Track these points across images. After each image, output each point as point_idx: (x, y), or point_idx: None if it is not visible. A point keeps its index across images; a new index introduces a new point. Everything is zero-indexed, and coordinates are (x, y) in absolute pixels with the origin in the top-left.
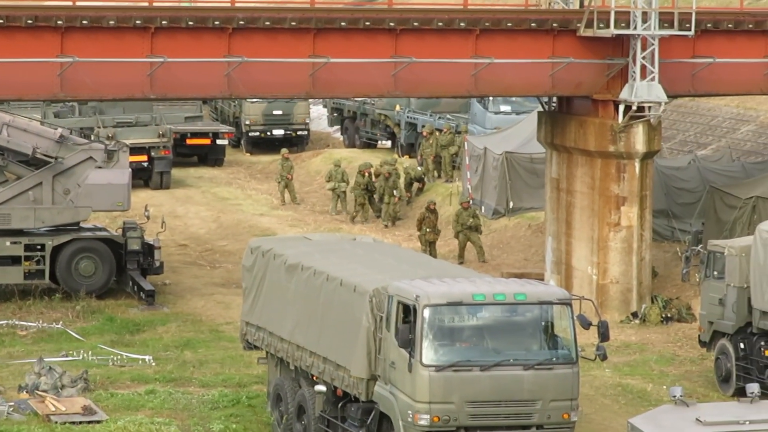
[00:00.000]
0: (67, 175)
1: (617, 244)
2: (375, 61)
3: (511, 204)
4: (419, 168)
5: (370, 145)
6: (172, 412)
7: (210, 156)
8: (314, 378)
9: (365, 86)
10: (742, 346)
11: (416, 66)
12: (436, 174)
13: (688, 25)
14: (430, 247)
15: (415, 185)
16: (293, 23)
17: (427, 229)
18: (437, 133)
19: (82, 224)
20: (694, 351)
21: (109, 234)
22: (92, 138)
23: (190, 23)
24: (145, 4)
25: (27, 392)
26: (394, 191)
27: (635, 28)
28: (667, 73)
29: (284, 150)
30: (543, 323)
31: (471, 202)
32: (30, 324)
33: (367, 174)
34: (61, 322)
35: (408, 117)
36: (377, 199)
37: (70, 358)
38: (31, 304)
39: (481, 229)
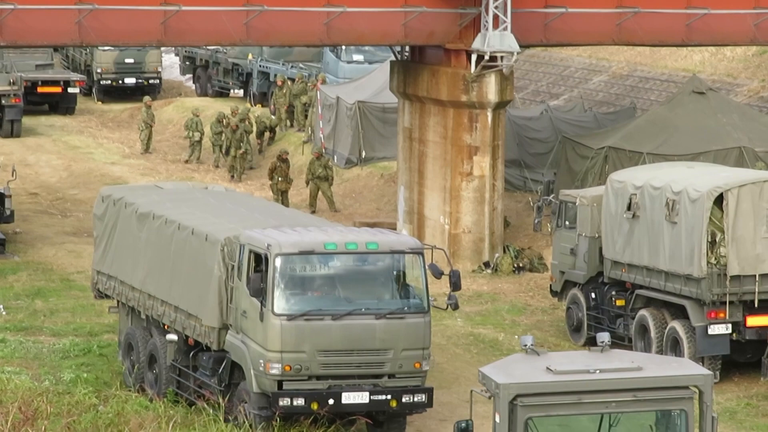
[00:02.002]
0: None
1: (469, 194)
2: (227, 9)
3: (363, 153)
4: (272, 117)
5: (222, 94)
6: (23, 362)
7: (61, 104)
8: (166, 327)
9: (217, 34)
10: (593, 295)
11: (268, 14)
12: (288, 123)
13: None
14: (282, 196)
15: (267, 134)
16: None
17: (279, 179)
18: (289, 83)
19: None
20: (546, 301)
21: None
22: None
23: None
24: None
25: None
26: (241, 143)
27: None
28: (519, 22)
29: (147, 98)
30: (395, 272)
31: (323, 151)
32: None
33: (224, 122)
34: None
35: (260, 66)
36: (224, 152)
37: None
38: None
39: (333, 179)
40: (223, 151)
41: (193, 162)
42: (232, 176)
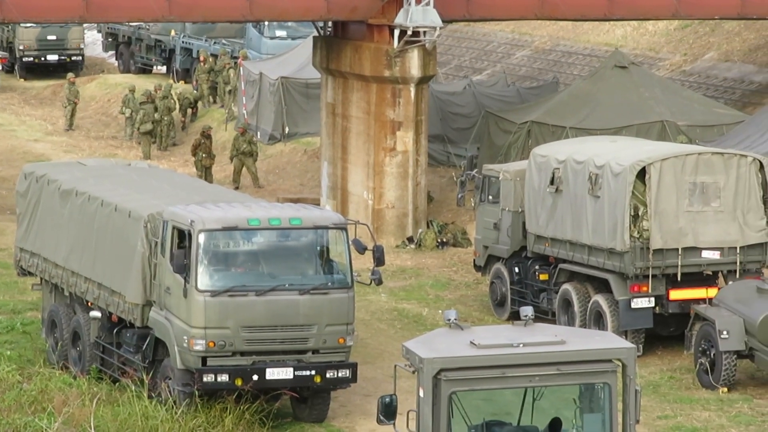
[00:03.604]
0: None
1: (393, 169)
2: None
3: (287, 129)
4: (195, 92)
5: (145, 70)
6: None
7: None
8: (89, 304)
9: (139, 10)
10: (516, 270)
11: None
12: (211, 99)
13: None
14: (205, 172)
15: (190, 111)
16: None
17: (203, 155)
18: (212, 59)
19: None
20: (470, 275)
21: None
22: None
23: None
24: None
25: None
26: (164, 118)
27: None
28: None
29: (70, 74)
30: (318, 248)
31: (247, 127)
32: None
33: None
34: None
35: (183, 42)
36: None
37: None
38: None
39: (257, 155)
40: (137, 127)
41: (128, 139)
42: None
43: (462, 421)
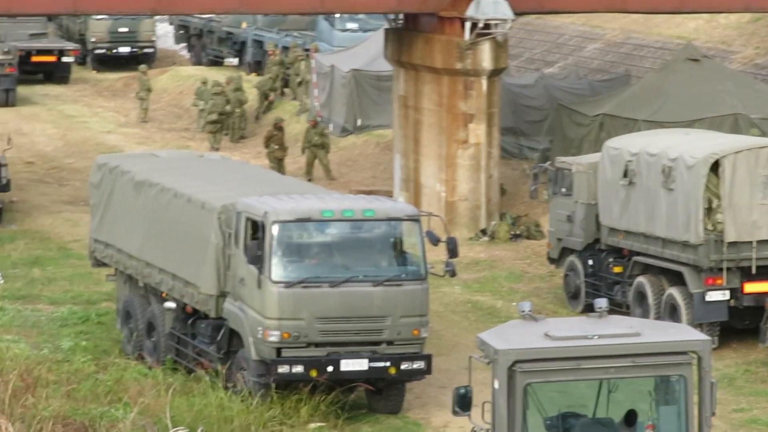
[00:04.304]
0: None
1: (465, 162)
2: None
3: (359, 122)
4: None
5: (216, 62)
6: (21, 330)
7: (56, 73)
8: (163, 295)
9: (210, 3)
10: (590, 262)
11: None
12: (281, 92)
13: None
14: (278, 164)
15: (265, 102)
16: None
17: (275, 147)
18: (281, 52)
19: None
20: (543, 268)
21: None
22: None
23: None
24: None
25: None
26: (236, 110)
27: None
28: None
29: (143, 66)
30: (392, 240)
31: (319, 119)
32: None
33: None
34: None
35: (254, 34)
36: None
37: None
38: None
39: (329, 147)
40: (205, 118)
41: (201, 130)
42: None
43: (537, 413)
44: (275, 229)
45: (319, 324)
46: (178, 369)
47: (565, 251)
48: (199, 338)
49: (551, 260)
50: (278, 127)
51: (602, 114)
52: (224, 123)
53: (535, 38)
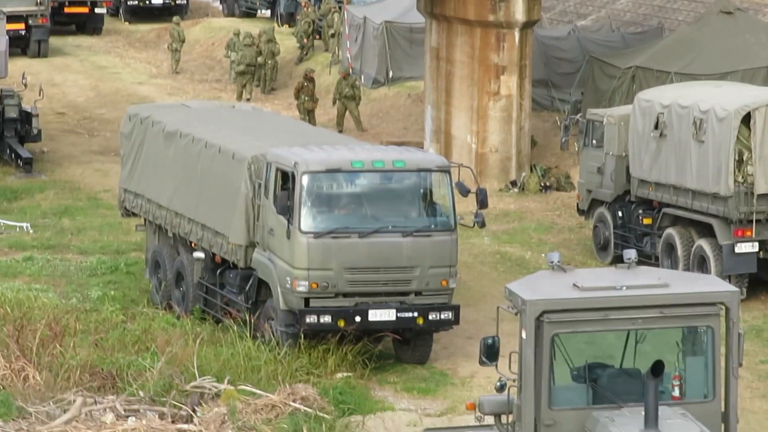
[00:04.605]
0: None
1: (496, 113)
2: None
3: (390, 73)
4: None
5: (249, 14)
6: (50, 279)
7: (88, 24)
8: (192, 245)
9: None
10: (620, 214)
11: None
12: (314, 43)
13: None
14: (308, 115)
15: (300, 52)
16: None
17: (305, 98)
18: (313, 4)
19: None
20: (573, 219)
21: None
22: None
23: None
24: None
25: None
26: (268, 61)
27: None
28: None
29: (176, 17)
30: (422, 190)
31: (350, 71)
32: None
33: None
34: None
35: None
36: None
37: None
38: None
39: (360, 99)
40: (233, 68)
41: (232, 82)
42: (263, 90)
43: (564, 363)
44: (305, 180)
45: (347, 274)
46: (206, 319)
47: (595, 203)
48: (227, 288)
49: (581, 212)
50: (309, 78)
51: (634, 66)
52: (255, 74)
53: None
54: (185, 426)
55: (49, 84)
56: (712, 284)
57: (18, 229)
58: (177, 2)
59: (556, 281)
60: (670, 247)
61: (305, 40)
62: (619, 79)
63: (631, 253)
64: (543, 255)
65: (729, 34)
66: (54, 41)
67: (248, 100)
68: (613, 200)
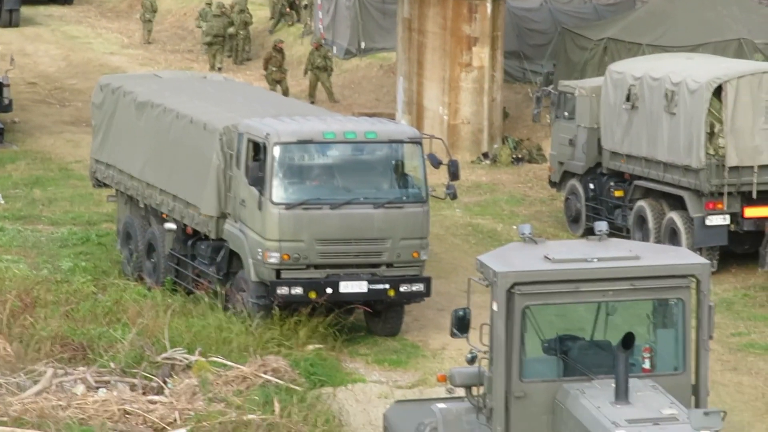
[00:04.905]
0: None
1: (468, 85)
2: None
3: (362, 44)
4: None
5: None
6: (21, 250)
7: None
8: (164, 216)
9: None
10: (591, 186)
11: None
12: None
13: None
14: (276, 86)
15: (272, 21)
16: None
17: (273, 68)
18: None
19: None
20: (545, 192)
21: None
22: None
23: None
24: None
25: None
26: (240, 32)
27: None
28: None
29: None
30: (393, 162)
31: (323, 42)
32: None
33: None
34: None
35: None
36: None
37: None
38: None
39: (332, 70)
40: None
41: (204, 52)
42: (234, 60)
43: (535, 336)
44: (277, 151)
45: (319, 246)
46: (178, 290)
47: (567, 175)
48: (198, 259)
49: (552, 184)
50: (277, 48)
51: (606, 38)
52: (225, 44)
53: None
54: (156, 397)
55: (21, 54)
56: (683, 257)
57: None
58: None
59: (528, 253)
60: (642, 220)
61: (279, 8)
62: (591, 51)
63: (602, 226)
64: (514, 227)
65: (701, 6)
66: (25, 11)
67: (219, 70)
68: (585, 172)
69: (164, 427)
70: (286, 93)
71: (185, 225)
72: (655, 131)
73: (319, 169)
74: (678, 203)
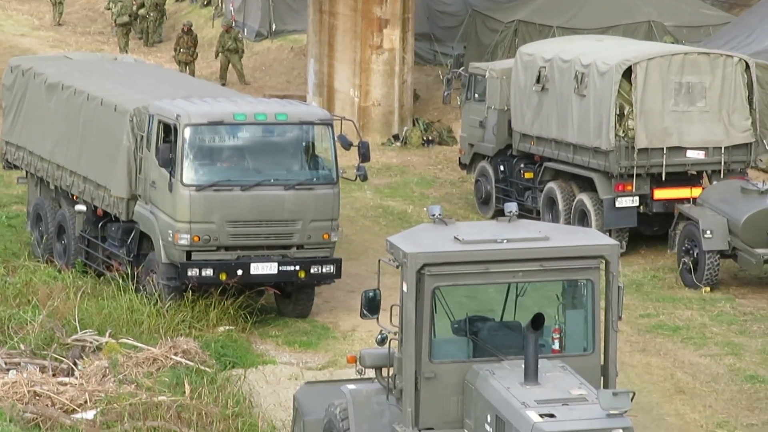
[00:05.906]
0: None
1: (379, 67)
2: None
3: (273, 26)
4: None
5: None
6: None
7: None
8: (74, 198)
9: None
10: (501, 168)
11: None
12: None
13: None
14: (184, 67)
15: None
16: None
17: (181, 50)
18: None
19: None
20: (455, 173)
21: None
22: None
23: None
24: None
25: None
26: (150, 14)
27: None
28: None
29: None
30: (304, 143)
31: (233, 24)
32: None
33: None
34: None
35: None
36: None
37: None
38: None
39: (243, 52)
40: (114, 20)
41: (114, 34)
42: (145, 43)
43: (445, 316)
44: (187, 132)
45: (229, 227)
46: (88, 272)
47: (477, 157)
48: (109, 241)
49: (463, 166)
50: (186, 30)
51: (517, 20)
52: (136, 26)
53: None
54: (66, 379)
55: None
56: (592, 238)
57: None
58: None
59: (438, 234)
60: (552, 201)
61: None
62: (502, 33)
63: (512, 207)
64: (425, 209)
65: None
66: None
67: (126, 51)
68: (495, 154)
69: (74, 409)
70: (192, 75)
71: (96, 207)
72: (565, 113)
73: (229, 151)
74: (588, 185)
